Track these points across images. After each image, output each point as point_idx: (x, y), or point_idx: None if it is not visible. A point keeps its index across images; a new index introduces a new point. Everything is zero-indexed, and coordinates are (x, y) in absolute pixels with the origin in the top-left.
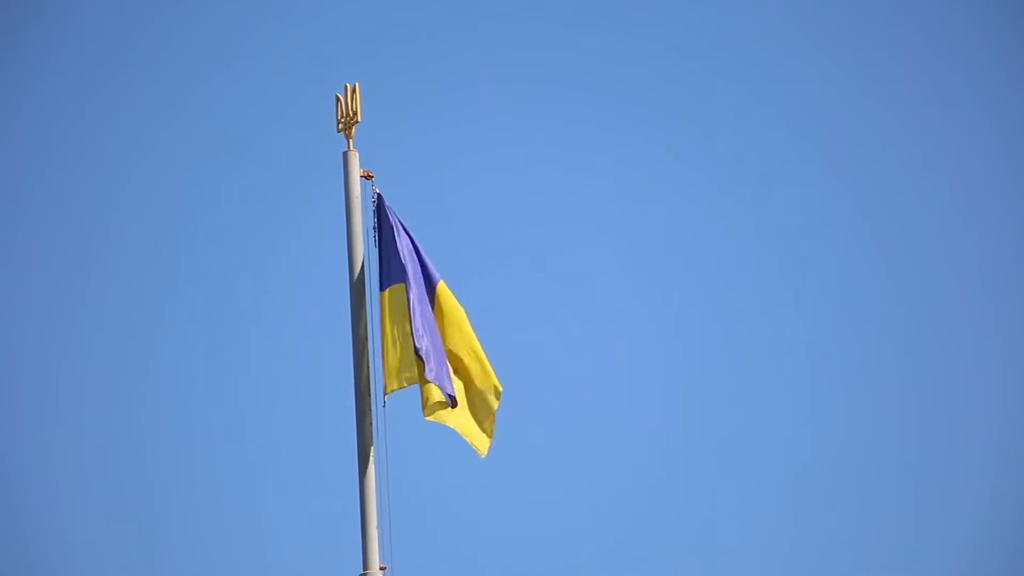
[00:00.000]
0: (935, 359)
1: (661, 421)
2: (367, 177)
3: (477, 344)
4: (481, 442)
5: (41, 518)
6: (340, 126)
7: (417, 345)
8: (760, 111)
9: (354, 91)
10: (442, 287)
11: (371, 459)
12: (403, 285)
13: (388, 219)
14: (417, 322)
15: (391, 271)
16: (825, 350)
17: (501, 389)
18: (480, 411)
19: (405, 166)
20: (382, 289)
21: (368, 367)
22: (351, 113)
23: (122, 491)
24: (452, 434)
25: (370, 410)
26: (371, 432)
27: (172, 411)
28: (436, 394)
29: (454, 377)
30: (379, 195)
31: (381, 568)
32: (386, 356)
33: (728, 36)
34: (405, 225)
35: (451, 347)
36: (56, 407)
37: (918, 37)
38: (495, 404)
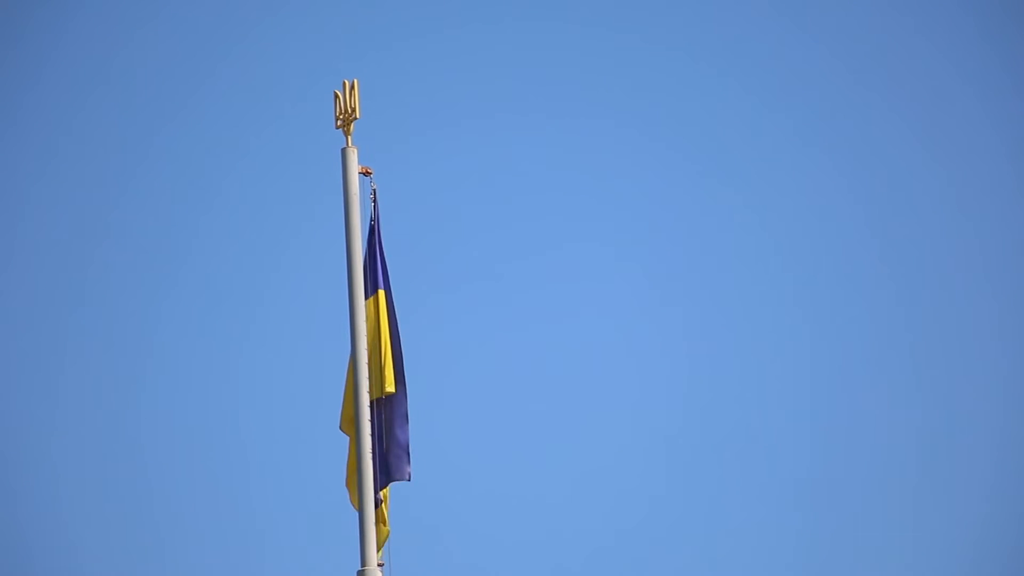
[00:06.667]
0: (938, 358)
1: (662, 420)
2: (365, 173)
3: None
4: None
5: (41, 518)
6: (339, 122)
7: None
8: (760, 108)
9: (353, 88)
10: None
11: (369, 457)
12: (384, 292)
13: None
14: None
15: (375, 278)
16: (827, 348)
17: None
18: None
19: (403, 162)
20: (367, 296)
21: (367, 364)
22: (350, 109)
23: (121, 489)
24: (450, 432)
25: (368, 408)
26: (369, 429)
27: (171, 409)
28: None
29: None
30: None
31: (379, 564)
32: (372, 361)
33: (728, 33)
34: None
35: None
36: (56, 407)
37: (920, 35)
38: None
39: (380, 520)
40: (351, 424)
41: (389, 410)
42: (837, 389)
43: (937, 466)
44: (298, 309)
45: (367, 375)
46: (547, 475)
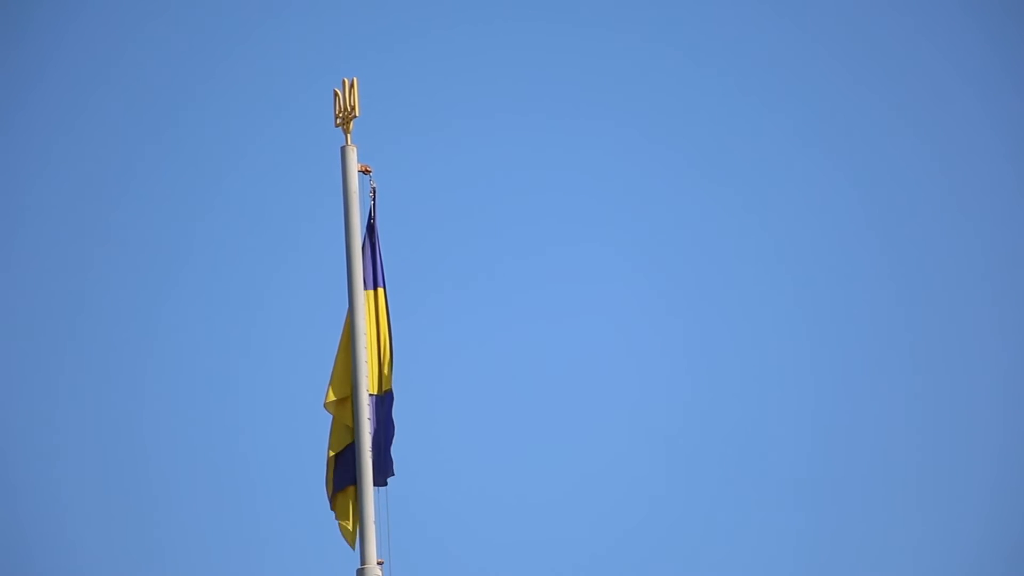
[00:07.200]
0: (938, 357)
1: (662, 421)
2: (365, 172)
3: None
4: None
5: (41, 519)
6: (338, 120)
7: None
8: (760, 108)
9: (352, 86)
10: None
11: (368, 455)
12: (382, 289)
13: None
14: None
15: (373, 275)
16: (827, 348)
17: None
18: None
19: (403, 161)
20: (366, 288)
21: (367, 363)
22: (349, 108)
23: (121, 489)
24: (450, 431)
25: (368, 406)
26: (369, 427)
27: (171, 408)
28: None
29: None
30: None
31: (379, 563)
32: (371, 358)
33: (727, 33)
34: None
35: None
36: (56, 407)
37: (920, 35)
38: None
39: (343, 515)
40: (336, 407)
41: (383, 408)
42: (837, 389)
43: (938, 466)
44: (298, 308)
45: (366, 372)
46: (547, 475)
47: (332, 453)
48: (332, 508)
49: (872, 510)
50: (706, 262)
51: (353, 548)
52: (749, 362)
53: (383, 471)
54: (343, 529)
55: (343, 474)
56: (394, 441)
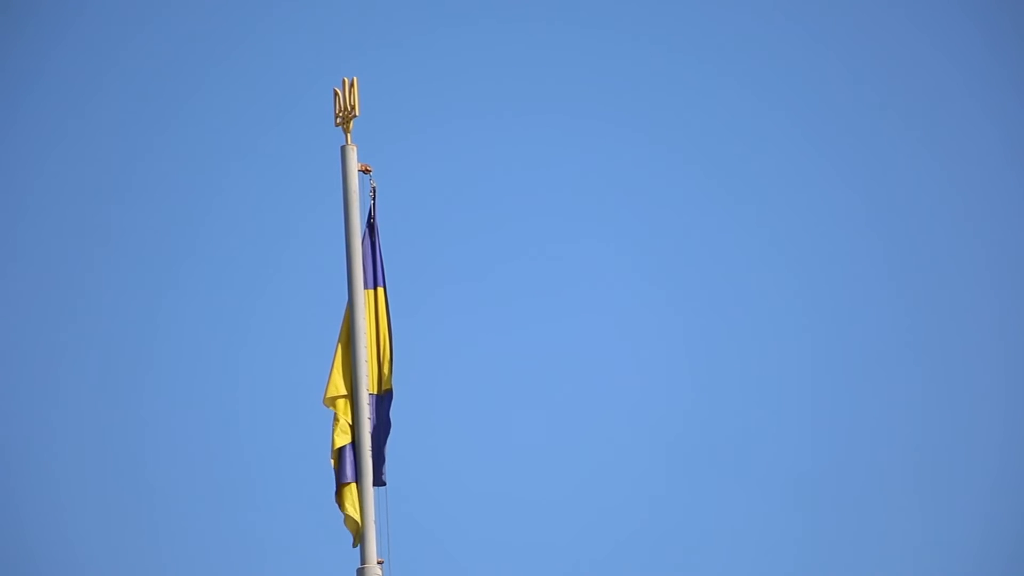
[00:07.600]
0: (938, 357)
1: (663, 421)
2: (365, 171)
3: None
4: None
5: (41, 519)
6: (338, 120)
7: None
8: (760, 108)
9: (352, 85)
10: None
11: (369, 454)
12: (383, 289)
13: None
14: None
15: (374, 275)
16: (827, 348)
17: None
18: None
19: (403, 161)
20: (366, 288)
21: (367, 362)
22: (349, 107)
23: (121, 490)
24: (450, 430)
25: (368, 405)
26: (369, 427)
27: (171, 408)
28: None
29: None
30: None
31: (379, 562)
32: (370, 357)
33: (727, 33)
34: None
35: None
36: (55, 408)
37: (920, 35)
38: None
39: (349, 503)
40: (333, 403)
41: (382, 407)
42: (837, 389)
43: (938, 465)
44: (298, 307)
45: (366, 371)
46: (547, 475)
47: (334, 448)
48: (337, 501)
49: (872, 510)
50: (707, 260)
51: (356, 544)
52: (749, 361)
53: (381, 470)
54: (348, 520)
55: (343, 470)
56: (389, 441)
